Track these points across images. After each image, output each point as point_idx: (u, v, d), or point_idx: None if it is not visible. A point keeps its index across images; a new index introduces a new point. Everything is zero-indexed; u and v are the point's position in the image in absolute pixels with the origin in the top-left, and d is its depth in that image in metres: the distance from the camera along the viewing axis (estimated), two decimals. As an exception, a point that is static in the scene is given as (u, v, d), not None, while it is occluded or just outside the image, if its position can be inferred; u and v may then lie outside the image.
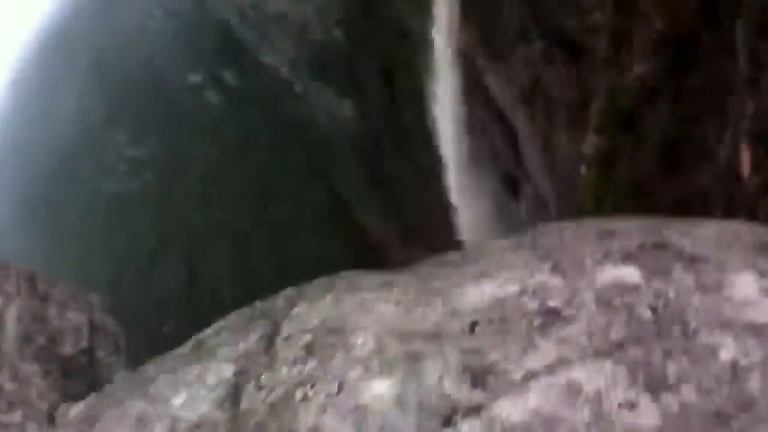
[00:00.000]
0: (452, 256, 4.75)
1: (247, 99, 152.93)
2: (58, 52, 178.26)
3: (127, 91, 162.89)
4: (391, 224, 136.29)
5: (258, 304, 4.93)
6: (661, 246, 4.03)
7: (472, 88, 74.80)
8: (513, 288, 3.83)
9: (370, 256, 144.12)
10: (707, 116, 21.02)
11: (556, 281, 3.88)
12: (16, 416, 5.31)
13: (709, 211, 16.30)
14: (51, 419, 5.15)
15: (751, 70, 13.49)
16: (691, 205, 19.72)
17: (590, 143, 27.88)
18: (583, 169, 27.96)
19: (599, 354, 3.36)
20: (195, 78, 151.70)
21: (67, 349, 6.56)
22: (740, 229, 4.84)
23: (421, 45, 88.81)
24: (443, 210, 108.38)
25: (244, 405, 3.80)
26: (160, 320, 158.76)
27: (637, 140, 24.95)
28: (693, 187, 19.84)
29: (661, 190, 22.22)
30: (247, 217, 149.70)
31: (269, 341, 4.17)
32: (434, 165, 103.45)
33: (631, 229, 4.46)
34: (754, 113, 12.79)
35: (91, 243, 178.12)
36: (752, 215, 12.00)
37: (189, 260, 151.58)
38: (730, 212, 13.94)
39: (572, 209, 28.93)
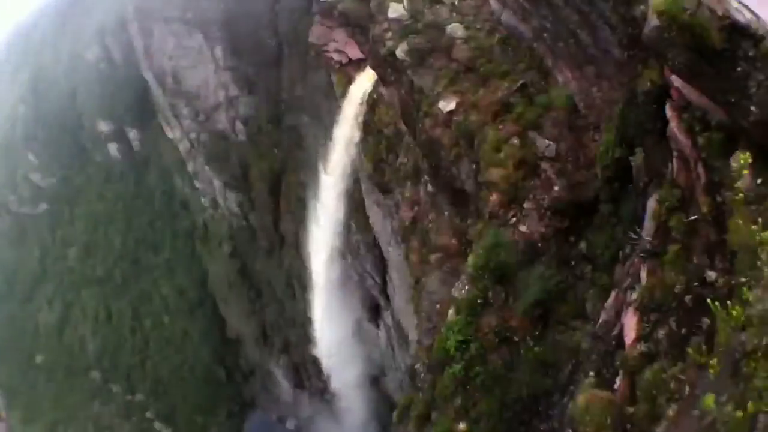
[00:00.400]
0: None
1: (144, 162, 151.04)
2: (11, 56, 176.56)
3: (50, 115, 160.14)
4: (252, 322, 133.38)
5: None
6: None
7: (354, 212, 75.38)
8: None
9: (226, 347, 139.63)
10: (588, 280, 21.30)
11: None
12: None
13: (580, 372, 16.22)
14: None
15: (655, 244, 13.74)
16: (560, 363, 19.62)
17: (461, 290, 27.73)
18: (451, 313, 27.68)
19: None
20: (104, 127, 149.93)
21: None
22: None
23: (315, 161, 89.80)
24: (304, 321, 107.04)
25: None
26: (32, 351, 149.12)
27: (509, 295, 24.95)
28: (563, 346, 19.80)
29: (529, 345, 22.06)
30: (118, 277, 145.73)
31: None
32: (303, 277, 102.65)
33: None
34: (649, 285, 12.93)
35: None
36: (631, 382, 11.91)
37: (64, 300, 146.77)
38: (604, 375, 13.83)
39: (433, 349, 28.45)
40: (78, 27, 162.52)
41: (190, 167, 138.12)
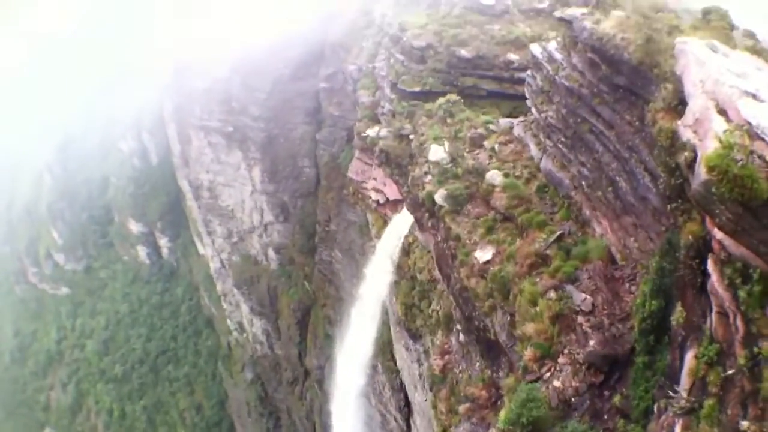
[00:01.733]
0: None
1: (172, 272, 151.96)
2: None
3: (78, 198, 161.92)
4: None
5: None
6: None
7: (381, 354, 74.84)
8: None
9: None
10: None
11: None
12: None
13: None
14: None
15: (691, 401, 13.78)
16: None
17: (492, 444, 27.42)
18: (477, 468, 27.25)
19: None
20: (134, 227, 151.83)
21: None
22: None
23: (345, 298, 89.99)
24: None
25: None
26: (42, 421, 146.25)
27: (538, 452, 24.58)
28: None
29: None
30: (136, 381, 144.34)
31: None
32: (325, 413, 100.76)
33: None
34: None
35: None
36: None
37: (78, 387, 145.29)
38: None
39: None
40: (112, 112, 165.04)
41: (219, 287, 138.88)
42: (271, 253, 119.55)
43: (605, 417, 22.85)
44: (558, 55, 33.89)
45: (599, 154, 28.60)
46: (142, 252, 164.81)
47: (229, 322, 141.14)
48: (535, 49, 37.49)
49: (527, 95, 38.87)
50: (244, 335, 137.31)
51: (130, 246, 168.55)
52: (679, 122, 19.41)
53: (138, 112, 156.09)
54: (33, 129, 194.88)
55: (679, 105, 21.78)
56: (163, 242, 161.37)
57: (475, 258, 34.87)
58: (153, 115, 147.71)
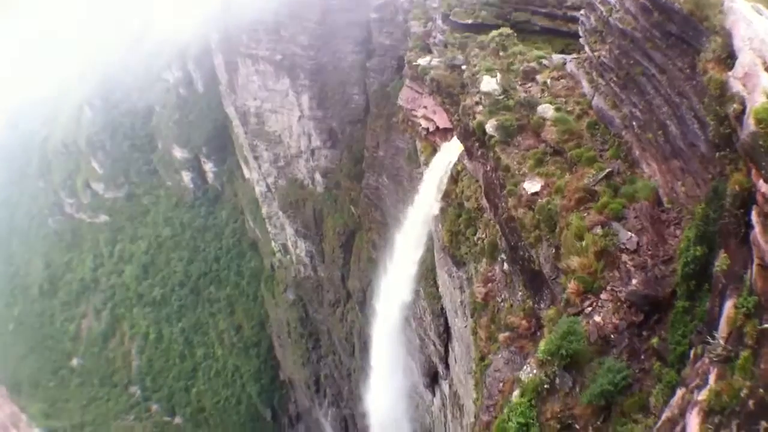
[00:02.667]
0: None
1: (217, 196, 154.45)
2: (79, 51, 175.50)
3: (120, 129, 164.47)
4: (306, 370, 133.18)
5: None
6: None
7: (424, 280, 75.90)
8: None
9: (276, 389, 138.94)
10: (655, 376, 21.55)
11: None
12: None
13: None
14: None
15: (728, 349, 14.15)
16: (619, 457, 19.91)
17: (529, 372, 27.94)
18: (515, 394, 27.86)
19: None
20: (179, 153, 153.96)
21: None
22: None
23: (391, 223, 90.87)
24: (359, 378, 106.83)
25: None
26: (70, 353, 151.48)
27: (576, 383, 25.17)
28: (623, 440, 20.10)
29: (589, 435, 22.34)
30: (175, 303, 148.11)
31: None
32: (364, 335, 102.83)
33: None
34: (717, 389, 13.28)
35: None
36: None
37: (113, 313, 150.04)
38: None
39: (492, 427, 28.52)
40: (154, 44, 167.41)
41: (264, 210, 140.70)
42: (317, 177, 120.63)
43: (642, 357, 23.27)
44: (611, -2, 33.59)
45: (651, 96, 28.56)
46: (186, 177, 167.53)
47: (273, 244, 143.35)
48: (589, -11, 37.07)
49: (581, 33, 38.45)
50: (288, 257, 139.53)
51: (174, 172, 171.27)
52: (729, 74, 19.61)
53: (183, 44, 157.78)
54: (72, 66, 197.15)
55: (728, 58, 21.90)
56: (209, 167, 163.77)
57: (524, 189, 35.08)
58: (199, 45, 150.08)
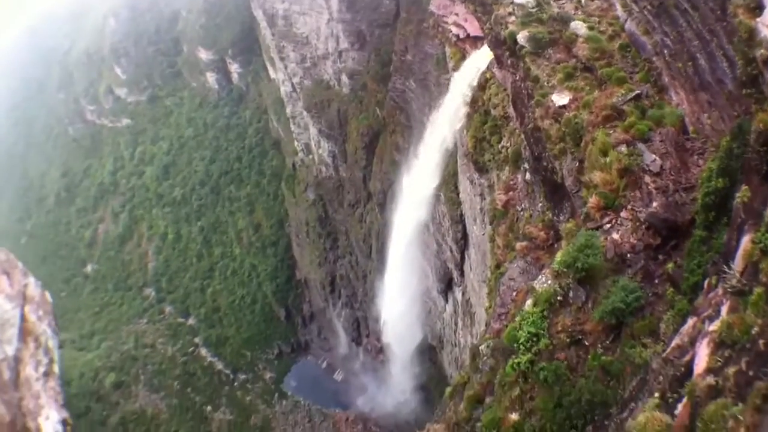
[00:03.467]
0: None
1: (241, 97, 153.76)
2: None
3: (145, 35, 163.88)
4: (322, 270, 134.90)
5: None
6: None
7: (445, 185, 76.10)
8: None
9: (292, 289, 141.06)
10: (667, 301, 21.79)
11: None
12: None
13: (644, 390, 16.91)
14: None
15: (743, 283, 14.24)
16: (624, 377, 20.32)
17: (543, 283, 28.23)
18: (528, 304, 28.21)
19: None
20: (204, 55, 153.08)
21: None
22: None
23: (415, 127, 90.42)
24: (375, 280, 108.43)
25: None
26: (84, 259, 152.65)
27: (589, 298, 25.47)
28: (630, 360, 20.44)
29: (597, 352, 22.71)
30: (195, 203, 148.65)
31: None
32: (382, 237, 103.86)
33: None
34: (729, 321, 13.42)
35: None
36: (692, 412, 12.48)
37: (131, 215, 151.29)
38: (668, 399, 14.44)
39: (503, 335, 28.99)
40: None
41: (288, 110, 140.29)
42: (344, 78, 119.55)
43: (656, 282, 23.48)
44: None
45: (683, 29, 28.11)
46: (211, 78, 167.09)
47: (296, 143, 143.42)
48: None
49: (615, -43, 37.50)
50: (310, 157, 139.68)
51: (198, 73, 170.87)
52: (758, 20, 19.29)
53: None
54: None
55: (756, 9, 21.93)
56: (234, 68, 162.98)
57: (552, 101, 34.93)
58: None
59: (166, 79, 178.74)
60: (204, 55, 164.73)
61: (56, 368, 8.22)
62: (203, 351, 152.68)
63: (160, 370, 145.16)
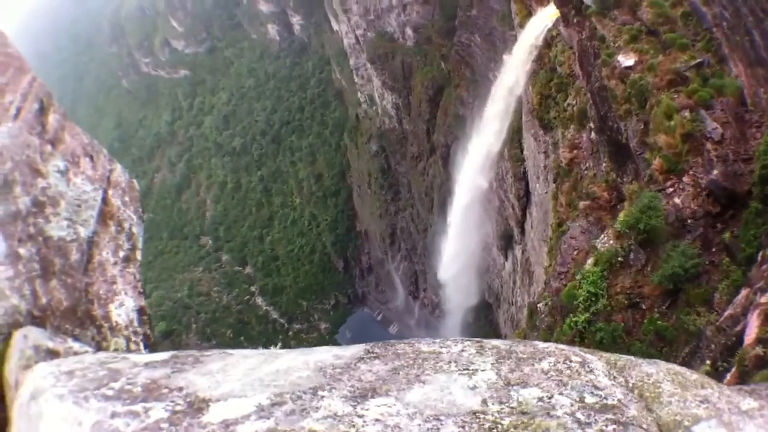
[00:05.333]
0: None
1: (303, 48, 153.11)
2: None
3: None
4: (383, 222, 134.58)
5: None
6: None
7: (509, 141, 76.01)
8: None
9: (351, 240, 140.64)
10: (722, 271, 22.27)
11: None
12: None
13: (696, 357, 17.58)
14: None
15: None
16: (678, 343, 20.99)
17: (605, 243, 28.85)
18: (589, 263, 28.85)
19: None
20: (265, 7, 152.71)
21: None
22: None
23: (480, 82, 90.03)
24: (435, 234, 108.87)
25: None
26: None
27: (649, 261, 26.03)
28: (684, 327, 21.08)
29: (654, 316, 23.37)
30: (256, 153, 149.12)
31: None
32: (444, 191, 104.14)
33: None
34: (780, 292, 14.06)
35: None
36: (740, 380, 13.11)
37: (189, 164, 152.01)
38: (718, 367, 15.13)
39: (562, 293, 29.72)
40: None
41: (351, 61, 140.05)
42: (408, 31, 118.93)
43: (713, 250, 23.93)
44: None
45: (739, 3, 27.85)
46: (272, 30, 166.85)
47: (359, 95, 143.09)
48: None
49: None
50: (374, 108, 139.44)
51: (259, 25, 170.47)
52: None
53: None
54: None
55: None
56: (296, 20, 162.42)
57: (618, 61, 35.08)
58: None
59: (225, 30, 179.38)
60: (264, 6, 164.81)
61: (139, 255, 8.24)
62: (259, 300, 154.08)
63: (214, 318, 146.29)
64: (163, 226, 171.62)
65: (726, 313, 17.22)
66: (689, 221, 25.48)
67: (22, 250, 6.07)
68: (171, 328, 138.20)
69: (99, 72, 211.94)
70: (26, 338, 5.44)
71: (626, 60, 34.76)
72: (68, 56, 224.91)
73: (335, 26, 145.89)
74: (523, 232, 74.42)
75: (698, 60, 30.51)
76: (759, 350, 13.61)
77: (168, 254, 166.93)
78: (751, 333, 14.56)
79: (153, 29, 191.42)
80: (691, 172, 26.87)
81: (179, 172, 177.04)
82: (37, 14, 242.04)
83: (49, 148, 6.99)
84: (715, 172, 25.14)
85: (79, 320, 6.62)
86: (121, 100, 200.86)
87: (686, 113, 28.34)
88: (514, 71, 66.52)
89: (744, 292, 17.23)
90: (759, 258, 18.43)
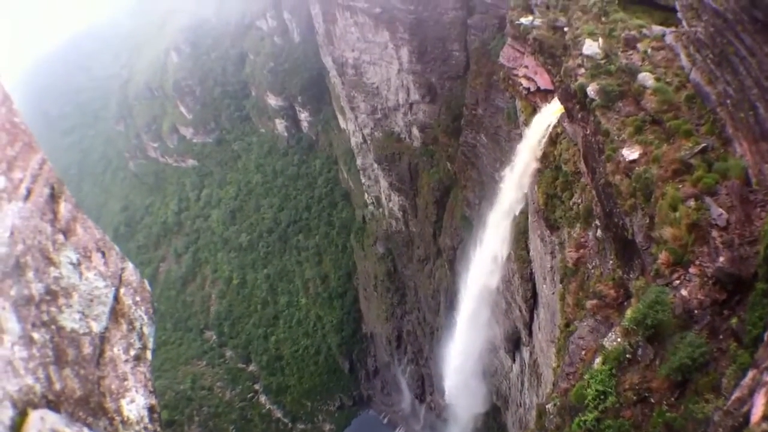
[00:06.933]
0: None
1: (310, 145, 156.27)
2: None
3: (210, 74, 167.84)
4: (389, 325, 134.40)
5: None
6: None
7: (515, 242, 76.34)
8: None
9: (357, 342, 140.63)
10: (730, 356, 21.98)
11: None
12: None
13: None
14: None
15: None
16: (686, 431, 20.56)
17: (613, 341, 28.56)
18: (597, 362, 28.55)
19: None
20: (273, 101, 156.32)
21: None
22: None
23: (486, 182, 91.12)
24: (442, 337, 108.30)
25: None
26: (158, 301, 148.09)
27: (657, 355, 25.72)
28: (693, 416, 20.66)
29: (662, 408, 22.95)
30: (262, 250, 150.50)
31: None
32: (451, 294, 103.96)
33: None
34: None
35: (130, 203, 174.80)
36: None
37: (195, 257, 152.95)
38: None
39: (570, 393, 29.36)
40: None
41: (359, 161, 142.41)
42: (414, 131, 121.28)
43: (720, 337, 23.61)
44: (704, -24, 33.20)
45: (742, 76, 28.44)
46: (280, 125, 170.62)
47: (366, 196, 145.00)
48: (682, -34, 36.61)
49: (678, 8, 38.10)
50: (380, 210, 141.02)
51: (267, 119, 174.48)
52: None
53: None
54: (156, 15, 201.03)
55: None
56: (304, 116, 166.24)
57: (622, 155, 35.27)
58: None
59: (233, 121, 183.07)
60: (273, 100, 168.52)
61: (149, 355, 8.39)
62: (263, 398, 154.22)
63: (216, 413, 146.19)
64: (168, 317, 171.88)
65: (733, 397, 16.86)
66: (696, 312, 25.28)
67: (36, 335, 6.29)
68: (173, 418, 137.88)
69: (105, 149, 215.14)
70: (43, 420, 5.62)
71: (631, 153, 35.02)
72: (74, 126, 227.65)
73: (343, 124, 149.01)
74: (530, 333, 73.93)
75: (702, 145, 30.75)
76: (764, 426, 13.32)
77: (171, 345, 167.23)
78: (757, 411, 14.24)
79: (161, 112, 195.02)
80: (697, 262, 26.73)
81: (185, 263, 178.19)
82: (39, 73, 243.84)
83: (61, 237, 7.25)
84: (721, 259, 25.02)
85: (92, 410, 6.84)
86: (128, 182, 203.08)
87: (691, 202, 28.38)
88: (518, 171, 67.37)
89: (751, 373, 16.93)
90: (766, 338, 18.25)
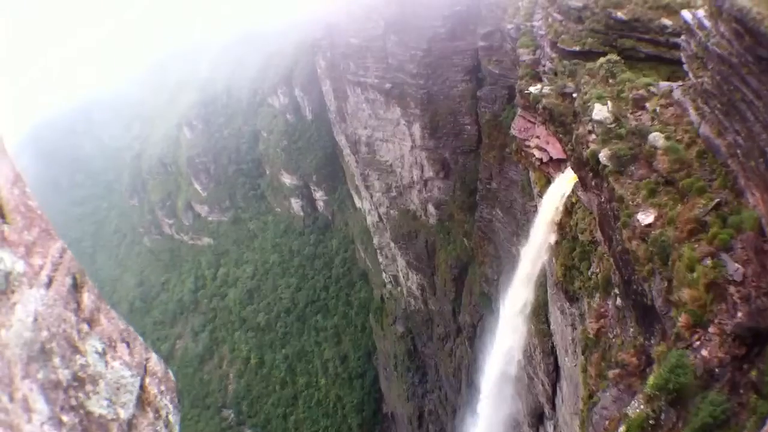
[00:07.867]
0: None
1: (326, 225, 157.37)
2: (168, 71, 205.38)
3: (224, 152, 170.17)
4: (410, 405, 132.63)
5: None
6: None
7: (535, 316, 75.88)
8: None
9: (378, 422, 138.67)
10: (750, 409, 21.70)
11: None
12: None
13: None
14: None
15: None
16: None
17: (636, 407, 28.23)
18: (620, 430, 28.21)
19: None
20: (288, 180, 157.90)
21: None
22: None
23: (504, 257, 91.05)
24: (465, 415, 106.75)
25: None
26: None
27: (680, 418, 25.39)
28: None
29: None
30: (280, 330, 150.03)
31: None
32: (472, 372, 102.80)
33: None
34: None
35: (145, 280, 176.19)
36: None
37: (212, 336, 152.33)
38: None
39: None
40: (259, 69, 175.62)
41: (375, 240, 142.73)
42: (430, 208, 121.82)
43: (741, 391, 23.41)
44: (707, 23, 33.67)
45: (751, 123, 28.64)
46: (296, 204, 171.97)
47: (384, 275, 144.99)
48: (686, 15, 37.10)
49: (683, 60, 38.58)
50: (399, 289, 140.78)
51: (283, 198, 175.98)
52: None
53: (287, 69, 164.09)
54: (167, 88, 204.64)
55: None
56: (319, 195, 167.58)
57: (637, 220, 35.30)
58: (305, 71, 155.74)
59: (248, 200, 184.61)
60: (287, 179, 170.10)
61: None
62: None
63: None
64: (185, 394, 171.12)
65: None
66: (717, 370, 25.04)
67: (65, 417, 6.34)
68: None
69: (120, 223, 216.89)
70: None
71: (646, 218, 35.08)
72: (86, 196, 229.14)
73: (358, 203, 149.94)
74: (554, 407, 72.73)
75: (716, 200, 30.80)
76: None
77: (189, 421, 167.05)
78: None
79: (175, 188, 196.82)
80: (716, 321, 26.56)
81: (202, 342, 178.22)
82: (42, 137, 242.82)
83: (85, 327, 7.35)
84: (740, 314, 24.88)
85: (120, 492, 6.95)
86: (143, 258, 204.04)
87: (708, 261, 28.32)
88: (536, 244, 67.28)
89: (768, 422, 16.81)
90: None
